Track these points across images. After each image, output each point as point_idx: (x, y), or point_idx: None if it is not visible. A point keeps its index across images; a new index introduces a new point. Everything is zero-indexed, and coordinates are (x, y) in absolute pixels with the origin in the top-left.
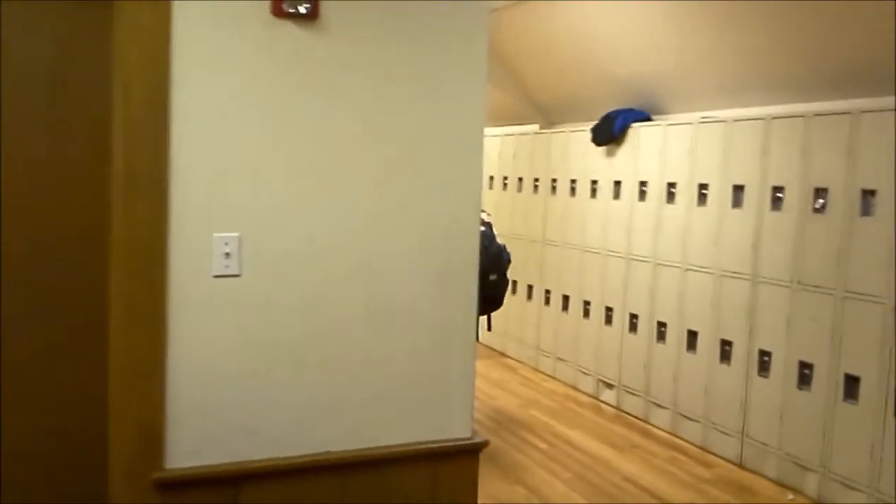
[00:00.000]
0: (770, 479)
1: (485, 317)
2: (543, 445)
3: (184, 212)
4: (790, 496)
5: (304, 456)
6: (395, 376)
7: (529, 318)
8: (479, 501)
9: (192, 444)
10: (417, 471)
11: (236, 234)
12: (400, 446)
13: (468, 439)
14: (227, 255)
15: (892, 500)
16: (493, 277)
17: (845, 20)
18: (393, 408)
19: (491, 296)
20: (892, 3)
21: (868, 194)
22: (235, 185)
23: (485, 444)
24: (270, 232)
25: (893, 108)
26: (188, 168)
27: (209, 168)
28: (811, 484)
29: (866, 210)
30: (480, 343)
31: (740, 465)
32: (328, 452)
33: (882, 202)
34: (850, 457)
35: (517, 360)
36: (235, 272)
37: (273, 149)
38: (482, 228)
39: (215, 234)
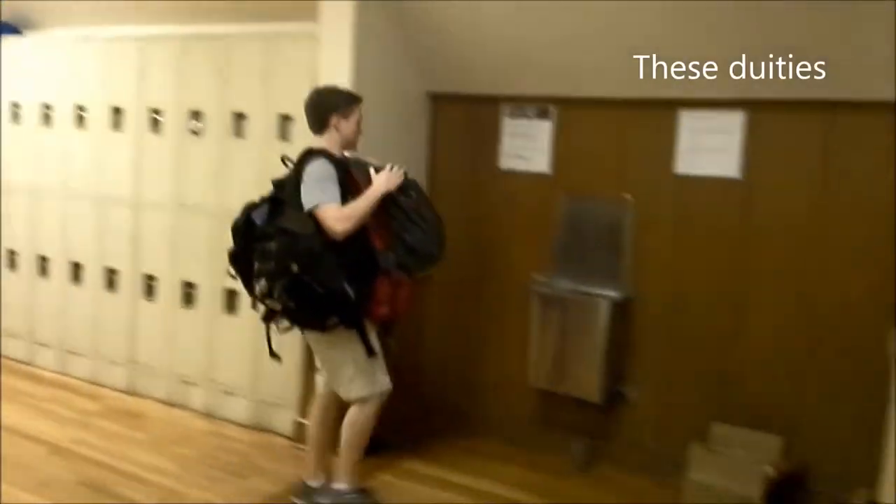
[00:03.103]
0: (160, 401)
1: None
2: None
3: None
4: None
5: None
6: None
7: None
8: None
9: None
10: None
11: None
12: None
13: None
14: None
15: (270, 401)
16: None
17: None
18: None
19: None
20: None
21: (240, 117)
22: None
23: None
24: None
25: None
26: None
27: None
28: (197, 398)
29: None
30: None
31: (131, 393)
32: None
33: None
34: (232, 367)
35: None
36: None
37: None
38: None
39: None
